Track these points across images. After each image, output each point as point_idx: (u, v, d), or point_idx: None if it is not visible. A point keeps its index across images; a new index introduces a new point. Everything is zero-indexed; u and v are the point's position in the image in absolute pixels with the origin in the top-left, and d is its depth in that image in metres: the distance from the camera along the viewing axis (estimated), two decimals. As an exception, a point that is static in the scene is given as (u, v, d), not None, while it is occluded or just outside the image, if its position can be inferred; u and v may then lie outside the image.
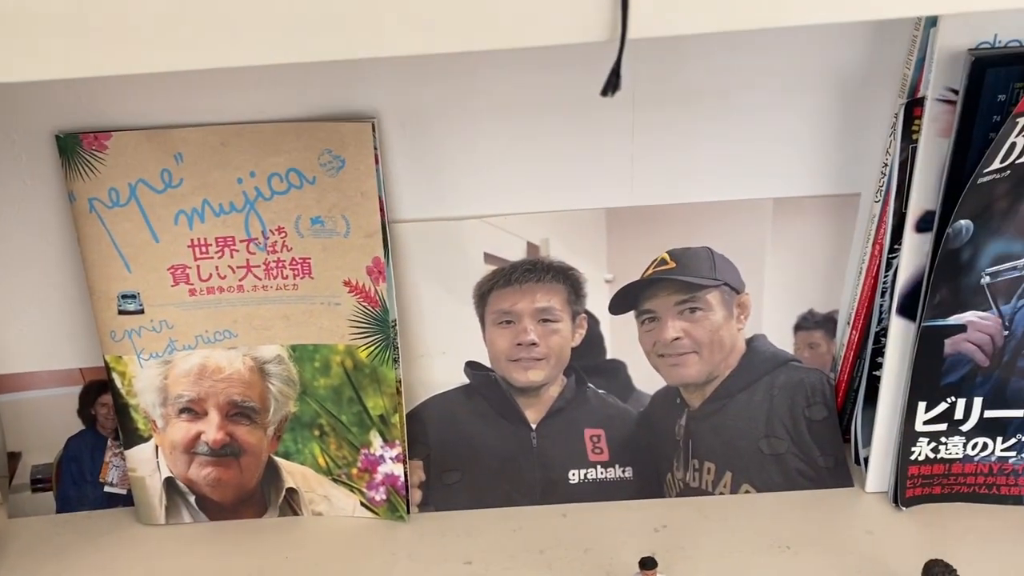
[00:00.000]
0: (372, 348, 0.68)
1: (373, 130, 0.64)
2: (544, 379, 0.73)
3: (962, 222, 0.60)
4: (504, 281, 0.71)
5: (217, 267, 0.67)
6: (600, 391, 0.74)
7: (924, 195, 0.62)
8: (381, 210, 0.65)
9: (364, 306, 0.67)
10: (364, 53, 0.37)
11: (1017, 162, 0.58)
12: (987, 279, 0.62)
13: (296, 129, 0.64)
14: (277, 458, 0.72)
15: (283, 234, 0.66)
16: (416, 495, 0.74)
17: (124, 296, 0.67)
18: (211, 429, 0.70)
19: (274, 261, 0.67)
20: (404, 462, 0.72)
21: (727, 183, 0.68)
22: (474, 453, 0.74)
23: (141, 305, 0.67)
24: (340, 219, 0.65)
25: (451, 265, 0.71)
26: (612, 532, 0.70)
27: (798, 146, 0.68)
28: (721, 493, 0.73)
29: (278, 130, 0.64)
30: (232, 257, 0.67)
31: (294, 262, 0.67)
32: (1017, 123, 0.56)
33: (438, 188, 0.68)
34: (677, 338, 0.71)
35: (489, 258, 0.71)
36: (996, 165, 0.58)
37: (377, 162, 0.64)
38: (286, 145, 0.64)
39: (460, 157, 0.68)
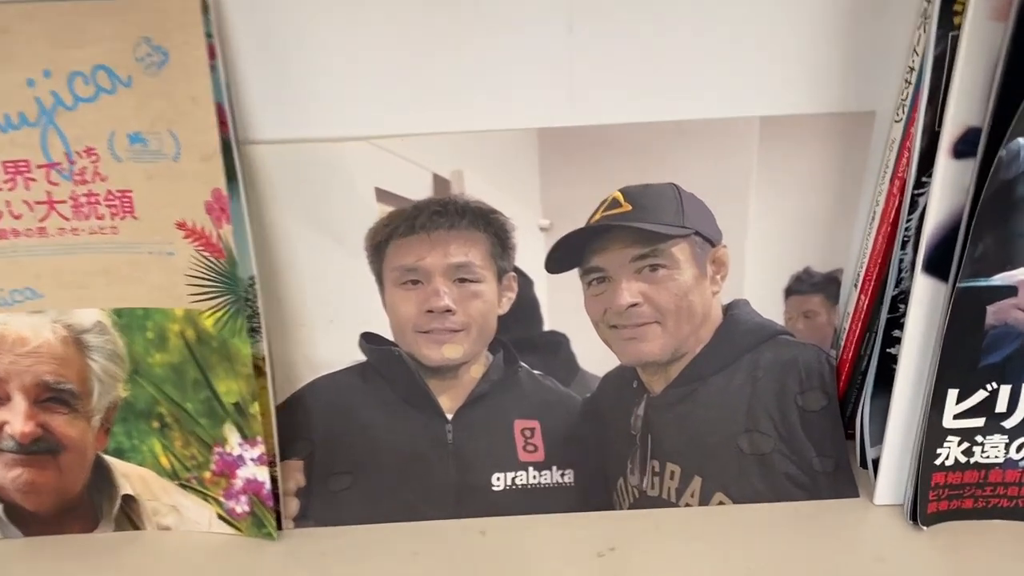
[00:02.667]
0: (219, 314, 0.53)
1: (205, 10, 0.48)
2: (463, 356, 0.60)
3: (1021, 141, 0.48)
4: (405, 228, 0.57)
5: (8, 202, 0.52)
6: (535, 372, 0.62)
7: (967, 106, 0.50)
8: (222, 123, 0.50)
9: (205, 256, 0.52)
10: None
11: (1104, 54, 0.44)
12: (1050, 223, 0.51)
13: (102, 10, 0.48)
14: (107, 457, 0.58)
15: (94, 157, 0.51)
16: (292, 505, 0.59)
17: None
18: (17, 419, 0.56)
19: (84, 194, 0.52)
20: (271, 465, 0.56)
21: (699, 95, 0.56)
22: (371, 451, 0.60)
23: (-95, 253, 0.52)
24: (167, 136, 0.50)
25: (332, 204, 0.56)
26: (544, 556, 0.57)
27: (792, 47, 0.55)
28: (687, 504, 0.60)
29: (78, 11, 0.48)
30: (27, 189, 0.52)
31: (111, 196, 0.52)
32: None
33: (309, 96, 0.53)
34: (634, 304, 0.59)
35: (383, 195, 0.56)
36: (1073, 58, 0.45)
37: (214, 56, 0.49)
38: (91, 32, 0.49)
39: (339, 53, 0.53)
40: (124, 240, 0.52)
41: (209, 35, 0.48)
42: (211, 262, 0.52)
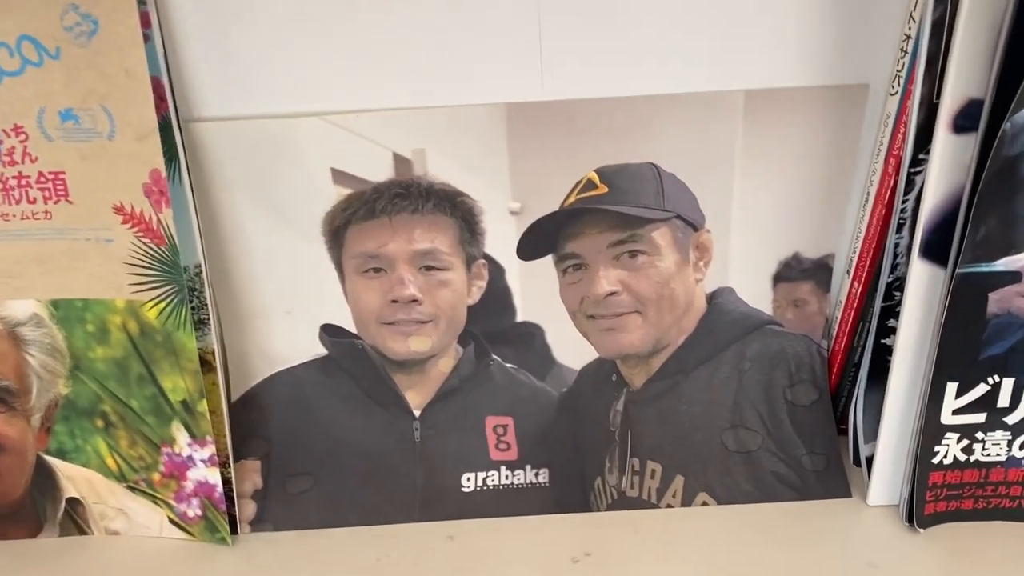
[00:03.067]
0: (162, 305, 0.49)
1: (138, -26, 0.44)
2: (430, 349, 0.57)
3: None
4: (365, 212, 0.54)
5: (-68, 186, 0.48)
6: (508, 366, 0.58)
7: (968, 75, 0.46)
8: (160, 98, 0.46)
9: (145, 243, 0.48)
10: None
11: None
12: (1058, 203, 0.47)
13: (26, -26, 0.44)
14: (49, 458, 0.54)
15: (22, 136, 0.47)
16: (248, 508, 0.56)
17: None
18: (-50, 419, 0.52)
19: (13, 176, 0.48)
20: (224, 466, 0.53)
21: (679, 68, 0.52)
22: (332, 451, 0.57)
23: None
24: (100, 112, 0.46)
25: (285, 186, 0.53)
26: (515, 561, 0.53)
27: (778, 14, 0.51)
28: (669, 505, 0.57)
29: (0, -24, 0.44)
30: (-48, 171, 0.47)
31: (42, 178, 0.48)
32: None
33: (257, 69, 0.50)
34: (612, 293, 0.56)
35: (339, 177, 0.53)
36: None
37: (148, 24, 0.45)
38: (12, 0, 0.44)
39: (289, 21, 0.49)
40: (59, 226, 0.48)
41: (142, 1, 0.44)
42: (152, 249, 0.48)
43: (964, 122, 0.46)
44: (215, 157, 0.50)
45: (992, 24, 0.44)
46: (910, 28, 0.49)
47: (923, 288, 0.51)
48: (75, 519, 0.55)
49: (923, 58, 0.47)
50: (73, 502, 0.55)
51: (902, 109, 0.50)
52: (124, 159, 0.46)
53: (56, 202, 0.48)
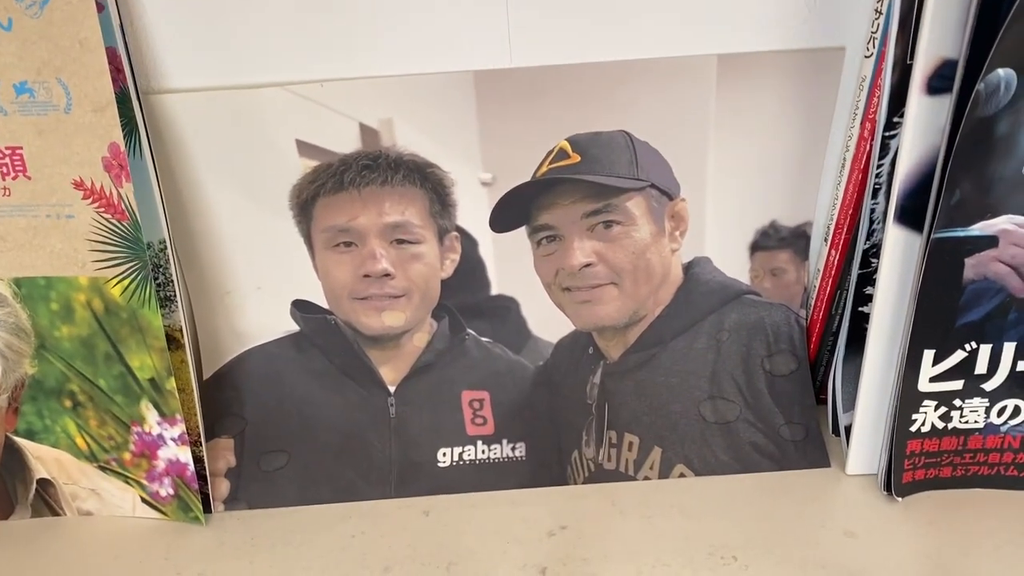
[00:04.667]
0: (126, 282, 0.48)
1: (89, -60, 0.42)
2: (404, 324, 0.55)
3: (1000, 73, 0.42)
4: (334, 184, 0.52)
5: None
6: (483, 339, 0.57)
7: (941, 35, 0.44)
8: (117, 69, 0.45)
9: (107, 219, 0.46)
10: None
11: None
12: (1034, 165, 0.45)
13: (-25, -58, 0.42)
14: (18, 439, 0.53)
15: None
16: (222, 487, 0.55)
17: None
18: (-84, 400, 0.50)
19: None
20: (195, 444, 0.52)
21: (651, 32, 0.50)
22: (307, 428, 0.56)
23: None
24: (56, 85, 0.44)
25: (250, 159, 0.51)
26: (490, 536, 0.52)
27: None
28: (646, 478, 0.56)
29: (-53, -56, 0.42)
30: (-93, 148, 0.46)
31: None
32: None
33: (218, 38, 0.48)
34: (588, 264, 0.54)
35: (305, 148, 0.51)
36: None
37: None
38: (-39, -32, 0.43)
39: None
40: (18, 202, 0.47)
41: (94, -31, 0.43)
42: (113, 225, 0.47)
43: (938, 83, 0.45)
44: (177, 129, 0.49)
45: (966, -17, 0.42)
46: (884, -12, 0.48)
47: (899, 254, 0.49)
48: (47, 500, 0.54)
49: (896, 18, 0.45)
50: (44, 483, 0.54)
51: (877, 72, 0.49)
52: (82, 132, 0.45)
53: (14, 178, 0.46)
